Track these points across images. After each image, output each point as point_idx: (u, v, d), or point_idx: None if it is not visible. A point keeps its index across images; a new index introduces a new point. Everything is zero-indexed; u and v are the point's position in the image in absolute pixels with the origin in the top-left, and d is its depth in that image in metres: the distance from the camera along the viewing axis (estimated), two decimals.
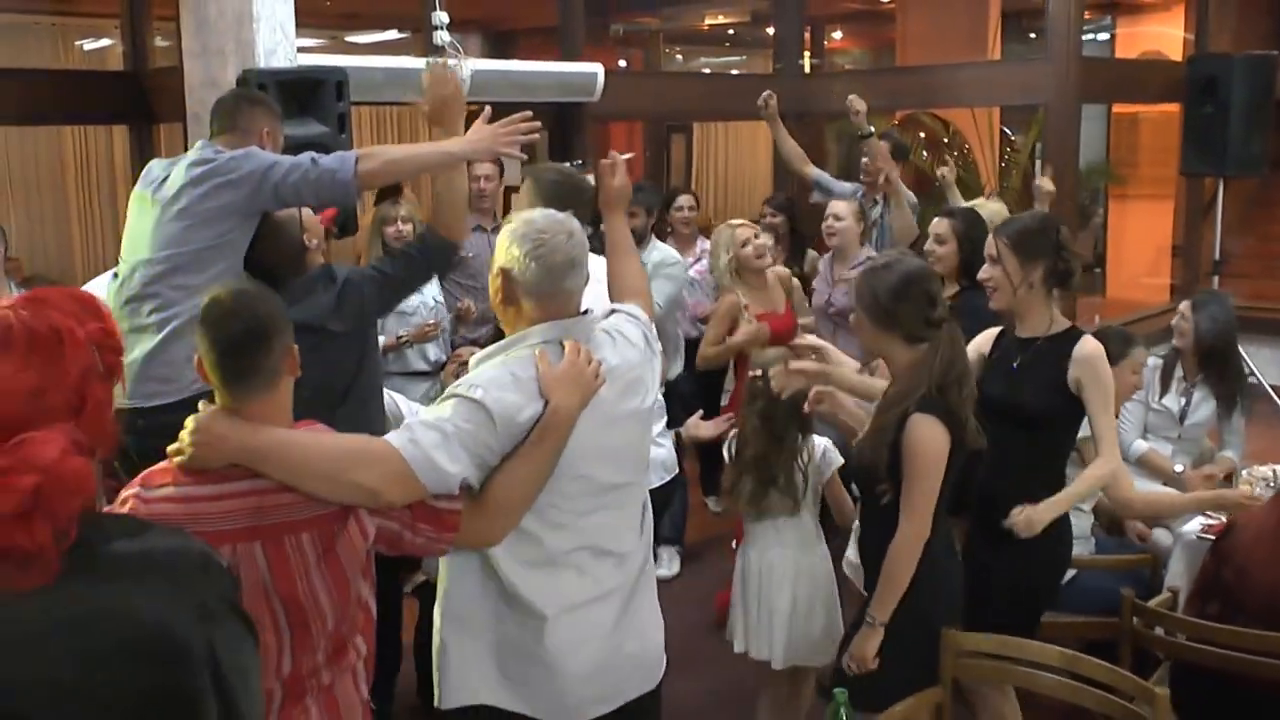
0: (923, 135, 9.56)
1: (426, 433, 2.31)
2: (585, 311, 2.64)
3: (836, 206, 5.61)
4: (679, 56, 15.05)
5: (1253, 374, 8.24)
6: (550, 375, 2.42)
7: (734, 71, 14.94)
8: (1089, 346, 3.33)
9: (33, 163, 9.73)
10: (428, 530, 2.32)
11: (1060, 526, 3.38)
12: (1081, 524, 4.18)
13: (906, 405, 2.96)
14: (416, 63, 5.70)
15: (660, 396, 3.00)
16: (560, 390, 2.40)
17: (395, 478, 2.25)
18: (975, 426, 3.02)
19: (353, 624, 2.31)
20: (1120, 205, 11.96)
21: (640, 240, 5.54)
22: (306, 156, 3.13)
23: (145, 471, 2.22)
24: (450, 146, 3.26)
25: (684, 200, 6.59)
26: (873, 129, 6.20)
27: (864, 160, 6.10)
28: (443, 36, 5.75)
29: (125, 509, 2.16)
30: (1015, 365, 3.38)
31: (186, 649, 1.52)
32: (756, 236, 5.23)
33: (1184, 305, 4.85)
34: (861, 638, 3.04)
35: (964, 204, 5.47)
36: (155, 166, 3.34)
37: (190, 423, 2.18)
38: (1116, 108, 11.17)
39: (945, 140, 9.43)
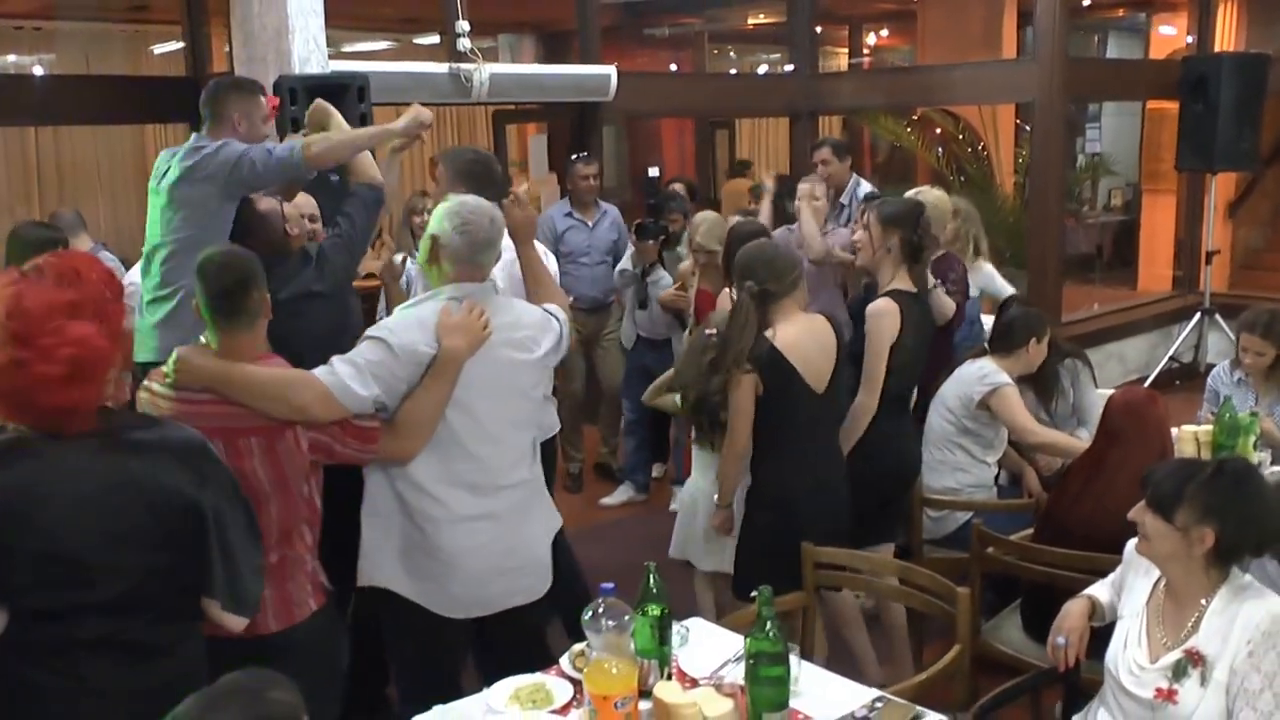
0: (938, 131, 10.04)
1: (344, 366, 3.00)
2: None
3: (810, 188, 6.07)
4: (732, 53, 15.56)
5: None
6: (446, 323, 3.07)
7: (789, 68, 15.30)
8: (875, 305, 4.08)
9: (119, 158, 10.61)
10: (354, 443, 3.02)
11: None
12: (984, 474, 4.74)
13: None
14: (438, 67, 6.36)
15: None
16: (451, 336, 3.05)
17: (318, 398, 2.94)
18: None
19: (296, 517, 2.99)
20: (1153, 199, 12.16)
21: (679, 240, 6.27)
22: (263, 148, 3.76)
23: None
24: (389, 125, 3.97)
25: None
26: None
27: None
28: (464, 43, 6.43)
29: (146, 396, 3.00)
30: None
31: (194, 505, 2.38)
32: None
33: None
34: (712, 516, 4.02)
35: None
36: (160, 159, 3.91)
37: (175, 354, 2.94)
38: (1150, 104, 11.37)
39: (959, 137, 9.90)
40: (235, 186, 3.75)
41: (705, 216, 5.92)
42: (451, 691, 2.98)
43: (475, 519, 3.18)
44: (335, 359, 3.02)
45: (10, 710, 2.36)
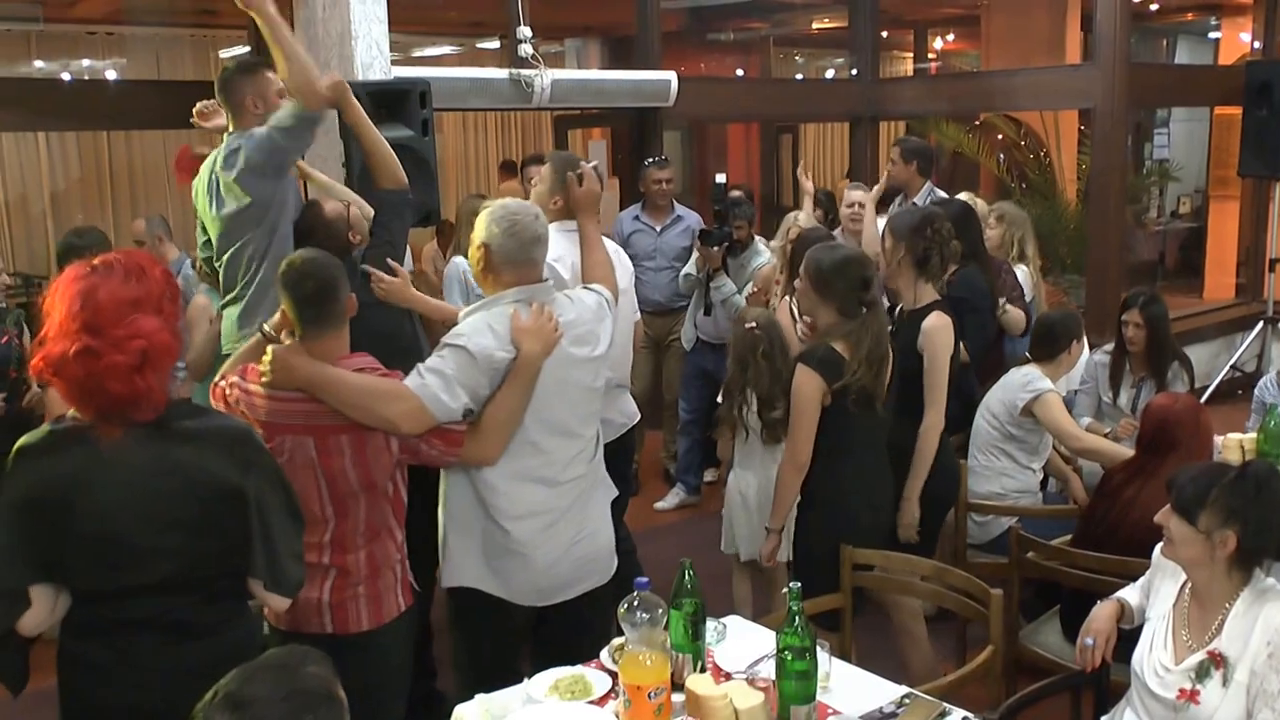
0: (1000, 138, 10.00)
1: (433, 377, 3.04)
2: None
3: (856, 195, 6.19)
4: (798, 58, 15.58)
5: None
6: (521, 328, 3.13)
7: (854, 72, 15.33)
8: (930, 321, 4.04)
9: None
10: (439, 445, 3.10)
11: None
12: (1029, 480, 4.78)
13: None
14: (499, 73, 6.47)
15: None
16: (528, 340, 3.12)
17: (410, 413, 2.99)
18: (882, 395, 3.71)
19: (384, 514, 3.07)
20: (1220, 206, 11.97)
21: (745, 247, 6.36)
22: (264, 130, 3.76)
23: (245, 366, 3.10)
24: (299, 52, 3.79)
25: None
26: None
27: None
28: (525, 49, 6.54)
29: (225, 384, 3.12)
30: (892, 331, 4.01)
31: (238, 490, 2.49)
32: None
33: (1132, 312, 5.17)
34: (764, 542, 3.92)
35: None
36: (203, 170, 3.96)
37: (270, 352, 2.99)
38: (1218, 110, 11.22)
39: (1021, 143, 9.85)
40: (271, 167, 3.80)
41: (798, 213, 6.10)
42: (511, 682, 3.02)
43: (545, 512, 3.28)
44: (423, 368, 3.07)
45: (68, 684, 2.51)
